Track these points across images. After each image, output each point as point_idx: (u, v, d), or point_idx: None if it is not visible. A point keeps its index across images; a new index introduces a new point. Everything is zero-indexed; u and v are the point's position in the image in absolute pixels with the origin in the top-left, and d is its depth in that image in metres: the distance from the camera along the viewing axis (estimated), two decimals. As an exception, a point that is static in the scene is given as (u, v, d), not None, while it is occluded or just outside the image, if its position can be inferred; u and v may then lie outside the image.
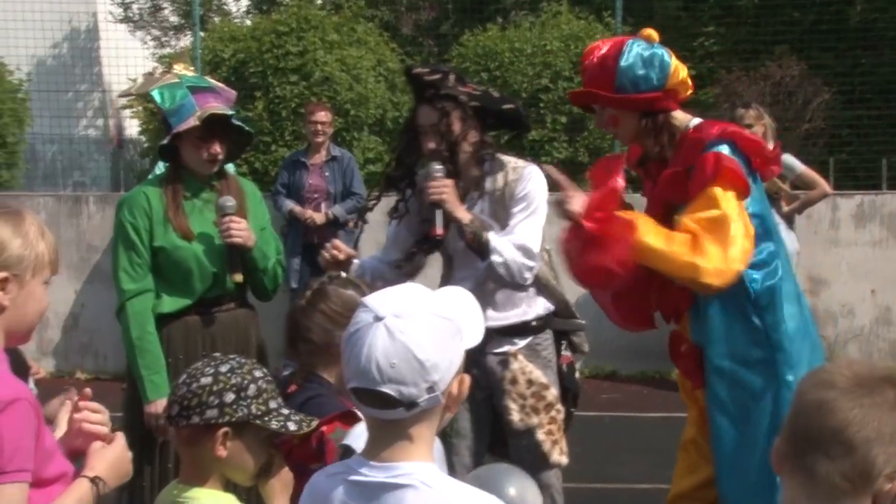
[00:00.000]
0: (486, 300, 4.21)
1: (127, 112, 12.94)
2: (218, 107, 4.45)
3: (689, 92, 4.01)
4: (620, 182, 4.01)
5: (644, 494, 6.12)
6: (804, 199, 8.07)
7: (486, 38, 11.56)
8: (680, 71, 3.90)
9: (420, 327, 2.10)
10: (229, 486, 2.73)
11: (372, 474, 2.15)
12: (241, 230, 4.29)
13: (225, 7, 13.45)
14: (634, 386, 9.22)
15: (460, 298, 2.32)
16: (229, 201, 4.38)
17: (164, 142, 4.44)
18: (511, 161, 4.46)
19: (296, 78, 11.03)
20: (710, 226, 3.65)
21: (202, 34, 11.46)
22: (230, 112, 4.60)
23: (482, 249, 4.31)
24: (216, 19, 12.83)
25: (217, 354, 2.75)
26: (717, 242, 3.62)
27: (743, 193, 3.73)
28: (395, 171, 4.60)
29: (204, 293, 4.42)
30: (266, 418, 2.62)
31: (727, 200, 3.66)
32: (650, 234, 3.73)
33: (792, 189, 8.25)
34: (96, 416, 2.70)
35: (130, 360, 4.29)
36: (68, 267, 8.84)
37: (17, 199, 9.78)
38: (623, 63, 3.80)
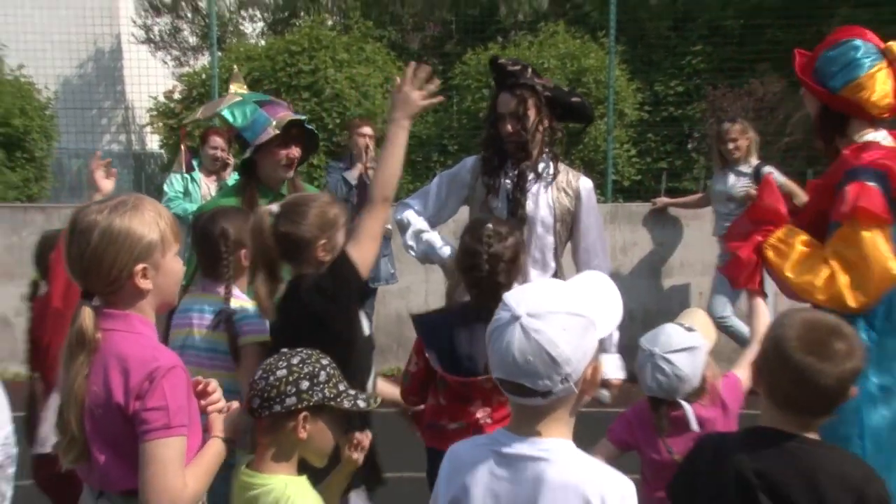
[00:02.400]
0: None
1: (148, 128, 12.98)
2: (292, 115, 4.59)
3: (884, 112, 3.87)
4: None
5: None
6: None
7: (488, 56, 11.19)
8: (868, 89, 3.82)
9: (553, 326, 2.21)
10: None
11: (517, 447, 2.31)
12: None
13: (241, 28, 13.60)
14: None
15: (596, 288, 2.48)
16: None
17: (248, 154, 4.57)
18: (567, 168, 4.75)
19: (308, 94, 11.19)
20: (846, 266, 3.71)
21: (219, 54, 11.59)
22: (304, 117, 4.76)
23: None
24: (232, 40, 12.99)
25: (285, 350, 2.88)
26: (850, 283, 3.69)
27: (884, 224, 3.71)
28: (487, 155, 4.71)
29: None
30: (338, 399, 2.81)
31: (864, 239, 3.69)
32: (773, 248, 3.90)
33: None
34: (216, 396, 2.91)
35: None
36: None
37: (45, 210, 9.95)
38: (828, 52, 3.89)
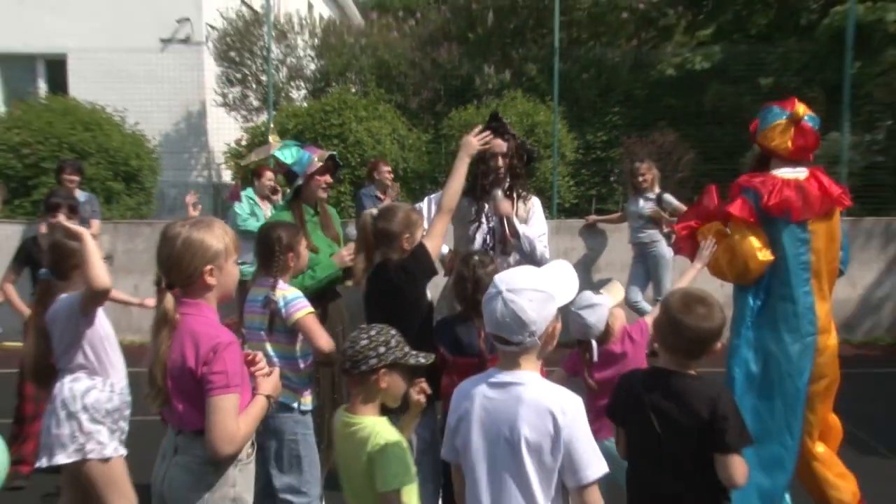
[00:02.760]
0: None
1: (223, 166, 13.10)
2: (328, 153, 4.75)
3: (786, 154, 4.02)
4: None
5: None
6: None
7: (466, 114, 11.58)
8: (775, 137, 4.03)
9: (523, 298, 2.43)
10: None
11: (502, 377, 2.55)
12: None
13: (290, 94, 13.65)
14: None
15: (558, 272, 2.64)
16: (353, 233, 4.79)
17: (300, 182, 4.62)
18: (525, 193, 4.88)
19: (337, 141, 11.16)
20: (727, 251, 4.03)
21: (274, 113, 11.66)
22: (335, 153, 4.91)
23: (520, 239, 4.66)
24: (284, 103, 13.03)
25: (363, 325, 2.99)
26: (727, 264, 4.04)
27: (751, 225, 3.95)
28: (472, 187, 4.75)
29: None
30: (406, 358, 2.92)
31: (737, 236, 3.99)
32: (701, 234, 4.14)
33: (670, 217, 8.34)
34: (262, 364, 2.97)
35: None
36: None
37: (151, 225, 10.04)
38: (759, 115, 4.14)
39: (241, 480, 2.82)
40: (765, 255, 3.97)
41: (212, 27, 14.10)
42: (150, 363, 2.76)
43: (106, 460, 3.77)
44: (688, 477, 2.81)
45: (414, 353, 2.95)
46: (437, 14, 15.15)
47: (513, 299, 2.43)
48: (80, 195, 7.80)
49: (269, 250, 3.89)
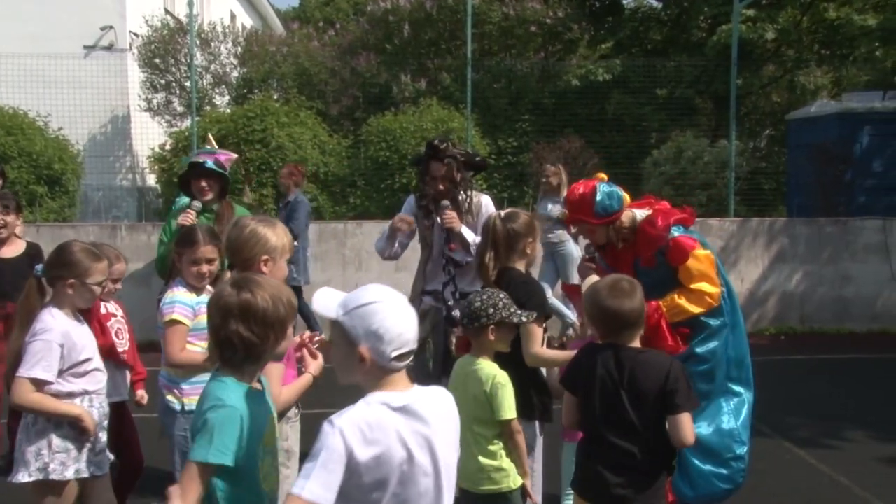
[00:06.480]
0: (464, 274, 4.58)
1: (147, 170, 12.79)
2: (194, 160, 5.00)
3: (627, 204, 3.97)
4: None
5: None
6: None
7: (385, 120, 11.59)
8: (626, 196, 3.95)
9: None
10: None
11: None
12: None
13: (214, 101, 13.44)
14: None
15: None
16: (196, 203, 4.91)
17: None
18: (475, 193, 4.74)
19: (259, 146, 11.06)
20: (698, 281, 3.75)
21: (198, 118, 11.41)
22: (203, 160, 5.06)
23: (468, 248, 4.54)
24: (208, 108, 12.83)
25: (477, 289, 3.52)
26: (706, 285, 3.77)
27: (694, 248, 3.78)
28: (423, 203, 4.69)
29: None
30: (511, 317, 3.31)
31: (699, 263, 3.78)
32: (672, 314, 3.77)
33: None
34: (311, 346, 3.04)
35: None
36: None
37: (75, 227, 9.61)
38: (598, 199, 3.84)
39: (291, 435, 3.24)
40: (712, 256, 3.97)
41: (135, 34, 13.81)
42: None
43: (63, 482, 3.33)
44: (641, 440, 2.90)
45: (518, 312, 3.33)
46: (355, 25, 15.15)
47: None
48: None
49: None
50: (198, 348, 3.43)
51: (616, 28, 14.52)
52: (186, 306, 3.49)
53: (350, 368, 2.06)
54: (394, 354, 2.01)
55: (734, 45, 10.72)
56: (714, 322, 3.88)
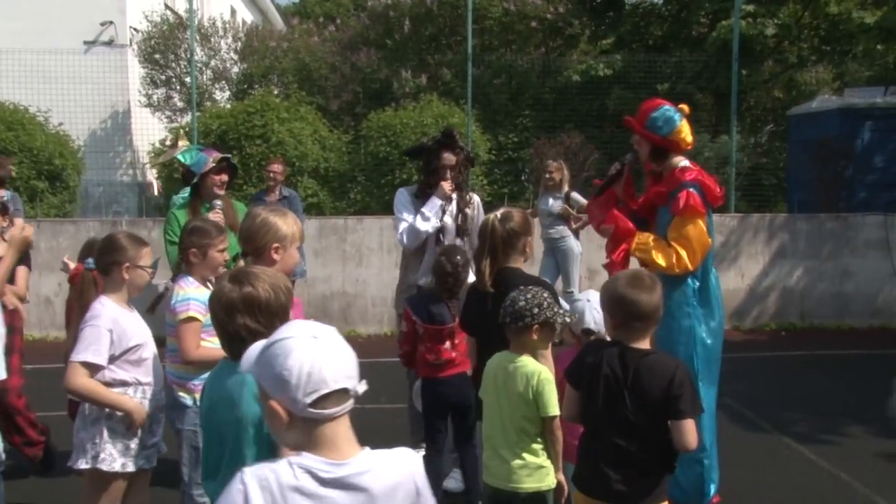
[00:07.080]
0: None
1: (147, 165, 12.79)
2: (221, 155, 4.97)
3: (689, 146, 4.23)
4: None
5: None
6: (584, 220, 8.03)
7: (385, 116, 11.54)
8: (683, 133, 4.17)
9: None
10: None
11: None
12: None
13: (214, 96, 13.41)
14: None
15: None
16: (218, 202, 4.84)
17: (195, 180, 4.85)
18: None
19: (259, 141, 11.03)
20: (681, 244, 4.07)
21: (198, 114, 11.36)
22: (230, 155, 5.16)
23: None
24: (208, 104, 12.80)
25: (521, 287, 3.35)
26: (686, 255, 4.05)
27: (702, 215, 4.08)
28: (424, 187, 4.85)
29: None
30: (555, 318, 3.29)
31: (693, 229, 4.05)
32: (638, 249, 4.14)
33: (578, 213, 8.36)
34: None
35: None
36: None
37: (76, 223, 9.68)
38: (653, 115, 4.15)
39: None
40: (708, 239, 4.18)
41: (135, 30, 13.78)
42: None
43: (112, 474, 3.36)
44: (641, 439, 2.87)
45: (561, 312, 3.33)
46: (356, 20, 15.09)
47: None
48: (3, 193, 7.47)
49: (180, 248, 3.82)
50: (209, 344, 3.43)
51: (617, 23, 14.46)
52: (199, 303, 3.51)
53: (275, 428, 1.69)
54: (308, 400, 1.60)
55: (735, 41, 10.68)
56: (683, 322, 4.14)
